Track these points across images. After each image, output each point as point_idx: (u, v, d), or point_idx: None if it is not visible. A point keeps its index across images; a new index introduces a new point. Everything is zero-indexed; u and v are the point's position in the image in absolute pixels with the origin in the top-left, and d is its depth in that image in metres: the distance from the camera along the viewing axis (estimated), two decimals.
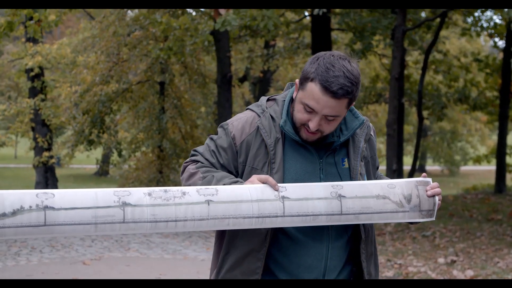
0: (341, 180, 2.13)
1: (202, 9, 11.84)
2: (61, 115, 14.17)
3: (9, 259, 7.26)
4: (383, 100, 16.49)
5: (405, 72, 14.40)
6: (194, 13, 12.46)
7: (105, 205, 1.85)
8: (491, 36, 15.31)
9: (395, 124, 10.06)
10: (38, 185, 15.34)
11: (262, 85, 20.31)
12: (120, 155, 15.89)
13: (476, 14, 13.82)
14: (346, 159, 2.17)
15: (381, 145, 22.43)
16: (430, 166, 33.98)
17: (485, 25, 14.45)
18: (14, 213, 1.78)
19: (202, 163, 2.16)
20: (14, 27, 8.74)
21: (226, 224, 1.96)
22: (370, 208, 2.04)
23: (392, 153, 9.99)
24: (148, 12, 11.47)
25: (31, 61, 14.04)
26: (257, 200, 1.96)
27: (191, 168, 2.16)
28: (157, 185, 13.09)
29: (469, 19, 14.46)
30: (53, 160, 14.97)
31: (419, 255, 7.90)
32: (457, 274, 6.73)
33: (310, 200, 1.99)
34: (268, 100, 2.23)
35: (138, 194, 1.90)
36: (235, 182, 2.04)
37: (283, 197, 1.98)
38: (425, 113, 15.97)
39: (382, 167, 17.89)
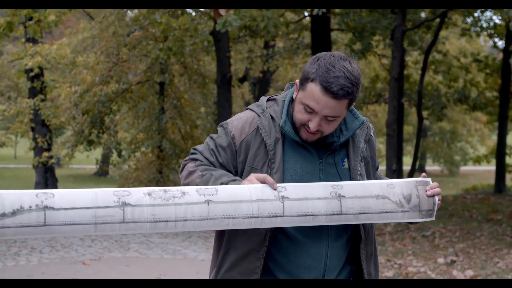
0: (341, 180, 2.12)
1: (201, 9, 11.83)
2: (60, 115, 14.17)
3: (9, 259, 7.25)
4: (382, 100, 16.51)
5: (405, 72, 14.41)
6: (193, 13, 12.45)
7: (105, 205, 1.85)
8: (490, 36, 15.32)
9: (395, 124, 10.06)
10: (37, 185, 15.34)
11: (262, 85, 20.30)
12: (119, 155, 15.87)
13: (475, 14, 13.84)
14: (346, 160, 2.17)
15: (381, 145, 22.43)
16: (430, 166, 34.00)
17: (484, 25, 14.47)
18: (14, 213, 1.78)
19: (201, 161, 2.16)
20: (13, 27, 8.74)
21: (225, 224, 1.96)
22: (370, 208, 2.04)
23: (392, 153, 9.99)
24: (147, 12, 11.47)
25: (31, 61, 14.04)
26: (256, 200, 1.96)
27: (190, 166, 2.17)
28: (157, 185, 13.08)
29: (469, 19, 14.48)
30: (52, 160, 14.97)
31: (419, 255, 7.89)
32: (457, 274, 6.73)
33: (309, 200, 1.99)
34: (268, 100, 2.23)
35: (138, 194, 1.90)
36: (234, 181, 2.04)
37: (282, 197, 1.98)
38: (424, 113, 15.98)
39: (382, 167, 17.88)
